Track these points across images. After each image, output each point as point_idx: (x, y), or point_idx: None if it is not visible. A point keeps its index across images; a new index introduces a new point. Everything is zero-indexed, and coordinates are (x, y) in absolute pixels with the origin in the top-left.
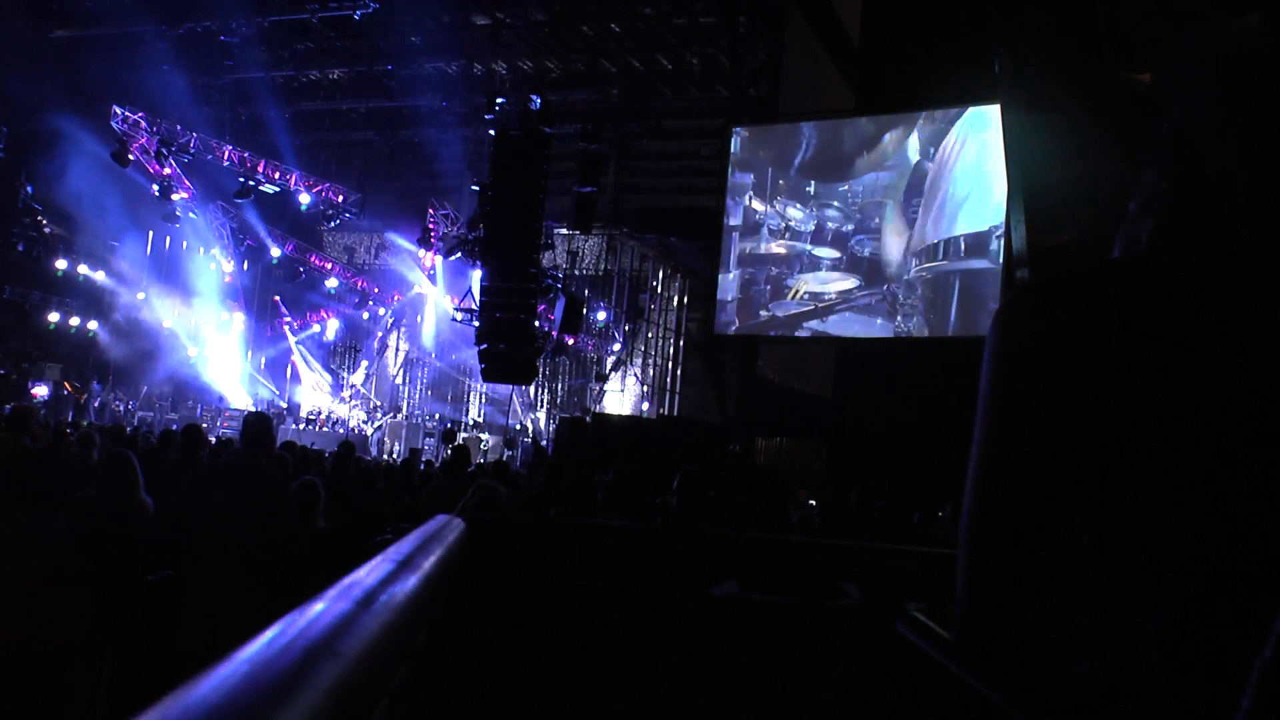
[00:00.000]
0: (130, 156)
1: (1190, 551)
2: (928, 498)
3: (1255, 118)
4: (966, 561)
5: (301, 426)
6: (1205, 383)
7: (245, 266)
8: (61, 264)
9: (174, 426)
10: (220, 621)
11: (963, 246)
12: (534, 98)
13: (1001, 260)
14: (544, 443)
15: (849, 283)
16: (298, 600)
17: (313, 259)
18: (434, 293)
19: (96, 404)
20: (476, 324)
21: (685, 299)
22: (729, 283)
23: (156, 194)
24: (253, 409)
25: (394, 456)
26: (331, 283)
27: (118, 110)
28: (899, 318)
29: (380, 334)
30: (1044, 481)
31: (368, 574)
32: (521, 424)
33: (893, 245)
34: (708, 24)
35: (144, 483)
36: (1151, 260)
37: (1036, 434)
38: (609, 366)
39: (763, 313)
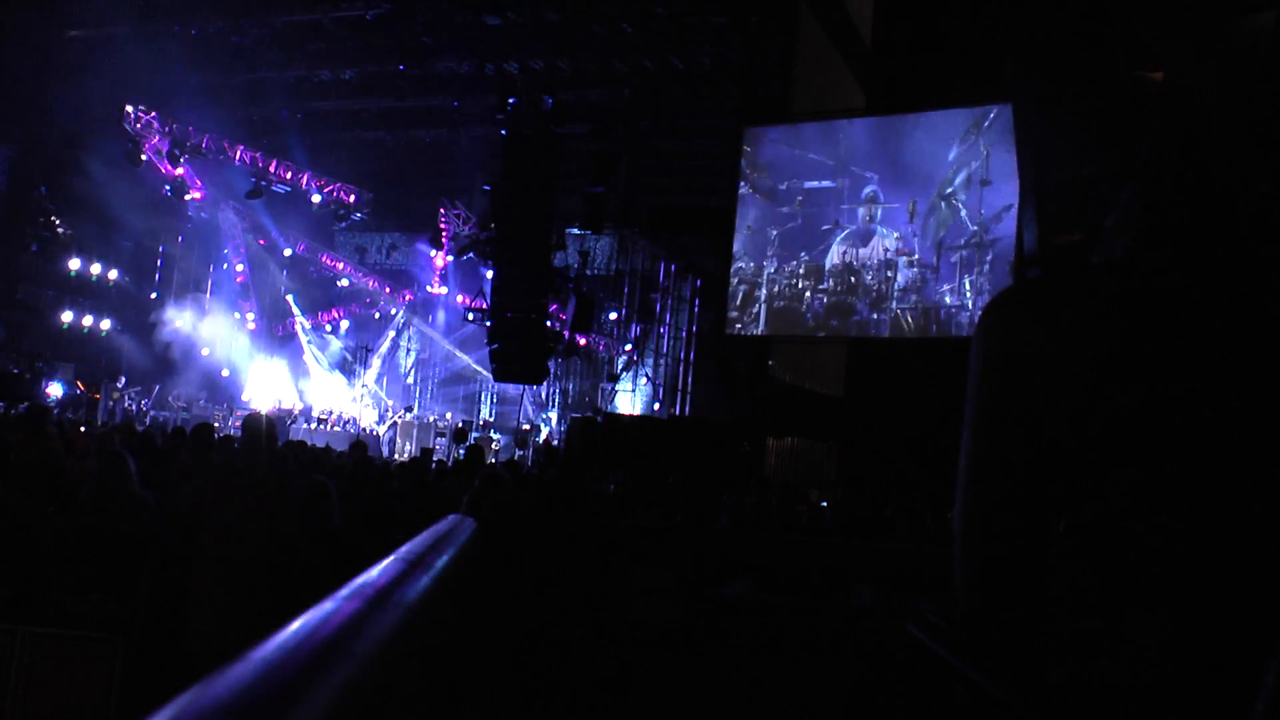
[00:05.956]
0: (143, 157)
1: (1185, 551)
2: (939, 498)
3: (1266, 114)
4: (962, 561)
5: (313, 426)
6: (1190, 383)
7: (257, 266)
8: (74, 264)
9: (186, 425)
10: (224, 621)
11: (973, 246)
12: (545, 97)
13: (1013, 259)
14: (555, 443)
15: (862, 281)
16: (309, 600)
17: (324, 259)
18: (445, 293)
19: (110, 403)
20: (488, 324)
21: (697, 299)
22: (732, 286)
23: (169, 194)
24: (263, 409)
25: (405, 456)
26: (343, 282)
27: (130, 110)
28: (907, 323)
29: (392, 334)
30: (1033, 481)
31: (380, 574)
32: (533, 424)
33: (903, 245)
34: (719, 24)
35: (146, 479)
36: (1135, 262)
37: (1023, 434)
38: (620, 366)
39: (767, 317)
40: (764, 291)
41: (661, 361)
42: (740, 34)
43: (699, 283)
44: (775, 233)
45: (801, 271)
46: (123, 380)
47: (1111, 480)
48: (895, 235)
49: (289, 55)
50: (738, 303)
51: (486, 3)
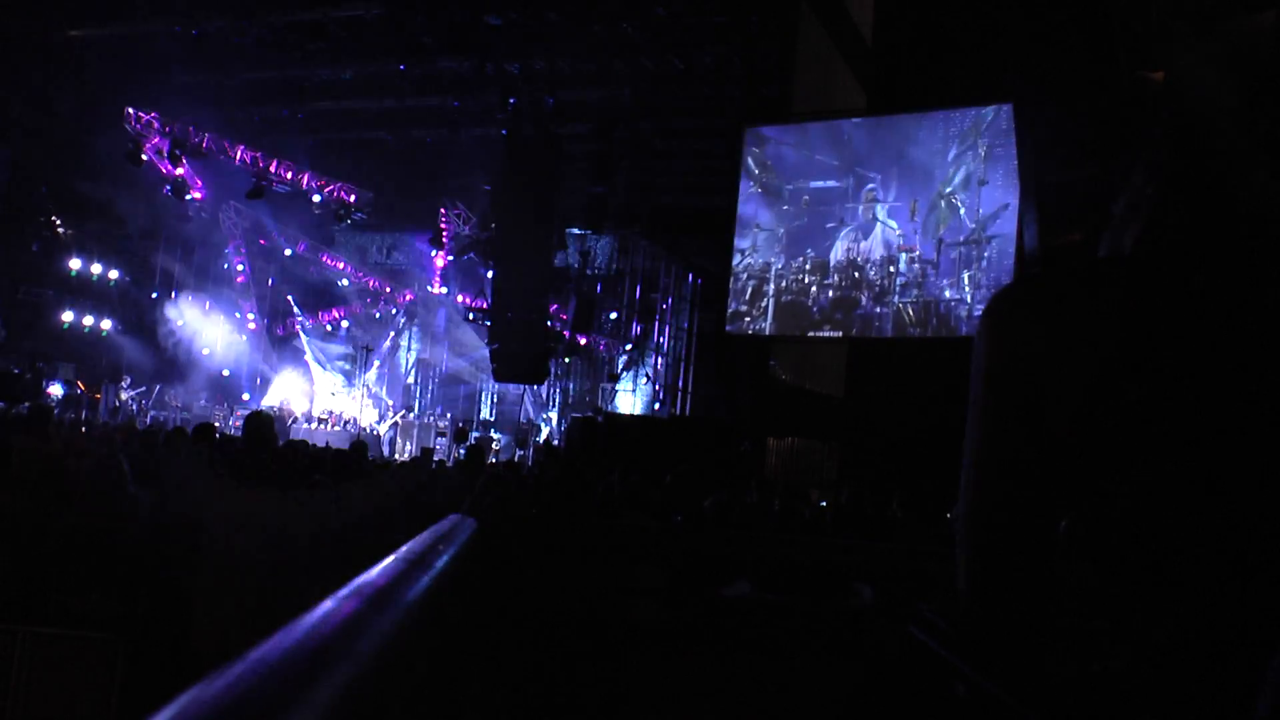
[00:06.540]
0: (143, 157)
1: (1187, 550)
2: (940, 497)
3: (1268, 114)
4: (966, 561)
5: (313, 426)
6: (1196, 381)
7: (257, 266)
8: (75, 264)
9: (186, 425)
10: (225, 621)
11: (972, 243)
12: (545, 98)
13: (1013, 258)
14: (555, 442)
15: (865, 276)
16: (309, 600)
17: (325, 258)
18: (445, 293)
19: (115, 404)
20: (488, 324)
21: (697, 298)
22: (741, 281)
23: (169, 194)
24: (263, 408)
25: (406, 456)
26: (343, 282)
27: (130, 111)
28: (909, 315)
29: (392, 334)
30: (1037, 481)
31: (380, 574)
32: (533, 424)
33: (904, 241)
34: (719, 24)
35: (146, 480)
36: (1139, 259)
37: (1025, 432)
38: (621, 366)
39: (775, 311)
40: (771, 286)
41: (661, 361)
42: (740, 34)
43: (699, 283)
44: (783, 230)
45: (808, 267)
46: (127, 380)
47: (1114, 479)
48: (897, 232)
49: (289, 55)
50: (746, 298)
51: (486, 3)
